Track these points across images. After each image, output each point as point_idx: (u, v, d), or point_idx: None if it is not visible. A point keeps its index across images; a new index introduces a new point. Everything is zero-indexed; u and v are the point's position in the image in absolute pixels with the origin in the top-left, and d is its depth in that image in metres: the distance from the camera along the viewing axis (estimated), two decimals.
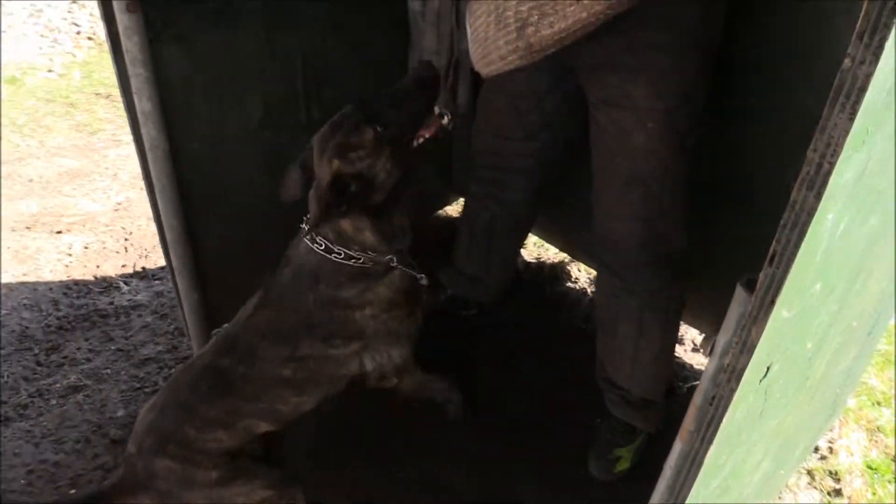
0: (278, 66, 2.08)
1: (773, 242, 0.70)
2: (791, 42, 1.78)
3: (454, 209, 3.09)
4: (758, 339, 0.70)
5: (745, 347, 0.72)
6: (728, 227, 2.16)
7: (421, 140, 1.63)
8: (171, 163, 1.92)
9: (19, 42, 4.69)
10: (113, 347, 2.47)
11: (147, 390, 2.31)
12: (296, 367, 1.67)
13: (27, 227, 3.04)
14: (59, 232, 3.02)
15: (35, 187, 3.32)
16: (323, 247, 1.65)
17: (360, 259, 1.66)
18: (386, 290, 1.71)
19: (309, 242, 1.68)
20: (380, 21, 2.28)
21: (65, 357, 2.44)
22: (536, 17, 1.38)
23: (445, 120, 1.64)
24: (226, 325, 2.19)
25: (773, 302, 0.69)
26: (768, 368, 0.81)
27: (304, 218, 1.70)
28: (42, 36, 4.80)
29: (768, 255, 0.71)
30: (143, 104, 1.80)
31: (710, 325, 2.40)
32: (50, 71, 4.44)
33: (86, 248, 2.95)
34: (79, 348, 2.47)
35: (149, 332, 2.53)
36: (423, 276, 1.82)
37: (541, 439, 2.15)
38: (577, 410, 2.23)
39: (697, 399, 0.86)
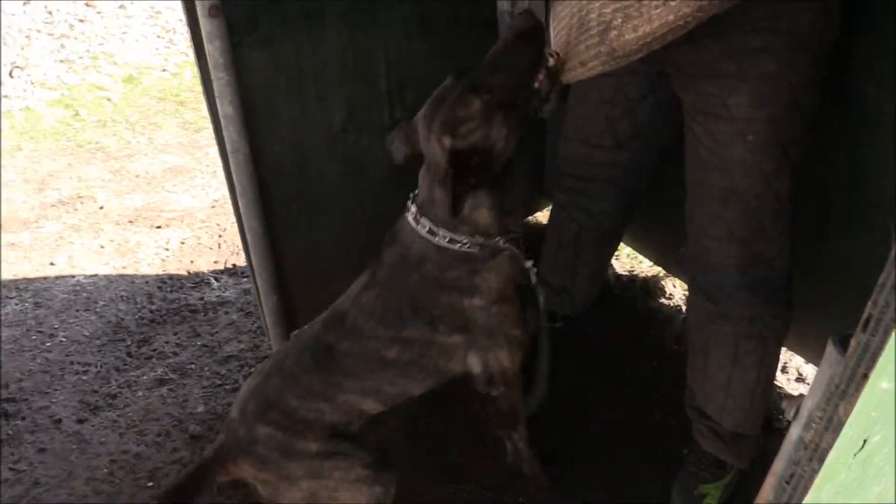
0: (361, 67, 2.05)
1: (869, 304, 0.57)
2: None
3: (544, 215, 2.98)
4: (847, 416, 0.58)
5: (830, 424, 0.60)
6: (840, 248, 1.96)
7: (536, 85, 1.51)
8: (252, 166, 1.92)
9: (138, 43, 4.94)
10: (199, 343, 2.53)
11: (227, 388, 2.35)
12: (401, 348, 1.61)
13: (130, 221, 3.17)
14: (158, 227, 3.14)
15: (141, 183, 3.46)
16: (427, 228, 1.57)
17: (465, 244, 1.56)
18: (495, 278, 1.61)
19: (413, 222, 1.59)
20: (466, 21, 2.21)
21: (154, 350, 2.51)
22: (620, 20, 1.26)
23: (551, 62, 1.48)
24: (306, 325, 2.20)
25: (866, 375, 0.56)
26: (865, 441, 0.68)
27: (411, 195, 1.63)
28: (159, 37, 5.03)
29: (862, 319, 0.59)
30: (225, 108, 1.81)
31: (818, 355, 2.18)
32: (164, 70, 4.65)
33: (182, 243, 3.05)
34: (167, 342, 2.54)
35: (233, 329, 2.57)
36: (531, 261, 1.71)
37: (621, 468, 2.02)
38: (663, 438, 2.08)
39: (776, 469, 0.74)
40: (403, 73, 2.16)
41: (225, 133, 1.86)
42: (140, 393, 2.35)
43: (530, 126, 1.55)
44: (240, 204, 1.98)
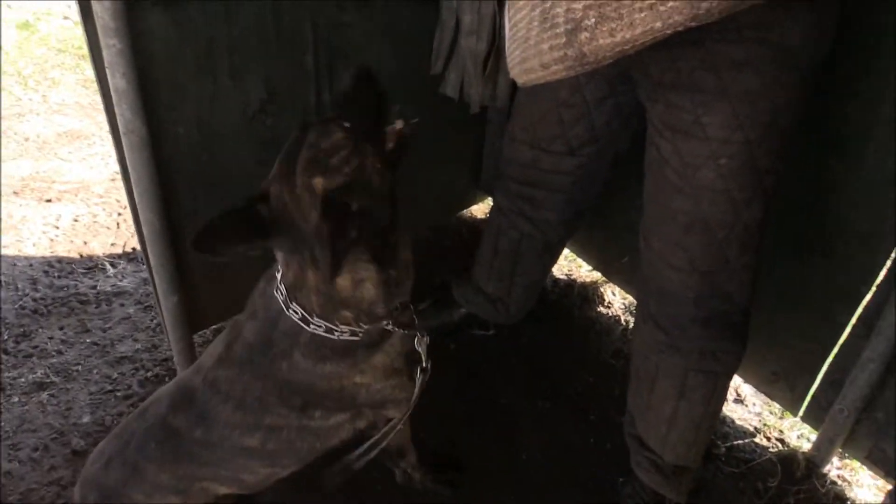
0: (285, 40, 1.78)
1: None
2: None
3: (480, 209, 2.79)
4: None
5: None
6: (797, 274, 1.87)
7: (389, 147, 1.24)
8: (149, 150, 1.64)
9: None
10: (88, 340, 2.23)
11: (119, 394, 2.07)
12: (264, 436, 1.37)
13: (15, 193, 2.80)
14: (48, 200, 2.78)
15: (30, 147, 3.08)
16: (299, 315, 1.28)
17: (344, 332, 1.29)
18: (384, 358, 1.38)
19: (280, 302, 1.30)
20: None
21: (35, 347, 2.20)
22: (594, 20, 1.06)
23: (399, 125, 1.23)
24: (213, 327, 1.93)
25: None
26: None
27: (277, 272, 1.32)
28: None
29: None
30: (117, 81, 1.52)
31: (762, 380, 2.09)
32: (66, 18, 4.17)
33: (75, 220, 2.71)
34: (51, 338, 2.23)
35: (129, 325, 2.29)
36: (425, 334, 1.45)
37: (549, 494, 1.87)
38: (596, 464, 1.94)
39: None
40: (334, 49, 1.90)
41: (117, 110, 1.57)
42: (15, 399, 2.05)
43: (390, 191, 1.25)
44: (134, 193, 1.70)
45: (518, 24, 1.25)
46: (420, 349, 1.43)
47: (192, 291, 1.96)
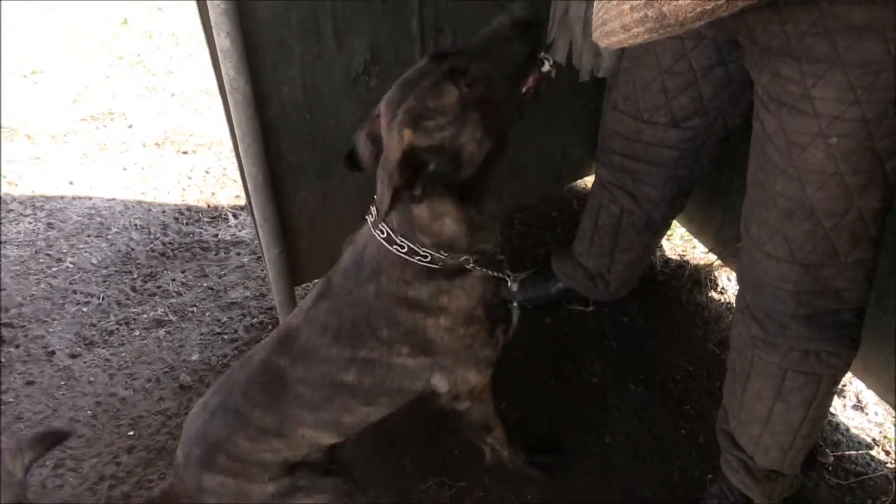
0: (391, 2, 1.77)
1: None
2: None
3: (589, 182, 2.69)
4: None
5: None
6: None
7: (523, 89, 1.23)
8: (253, 107, 1.70)
9: None
10: (205, 284, 2.38)
11: (226, 337, 2.20)
12: (359, 371, 1.39)
13: (157, 144, 3.02)
14: (185, 152, 2.98)
15: (174, 103, 3.30)
16: (384, 234, 1.31)
17: (426, 257, 1.30)
18: (464, 298, 1.36)
19: (371, 226, 1.35)
20: None
21: (159, 287, 2.39)
22: None
23: (546, 67, 1.22)
24: (306, 285, 2.01)
25: None
26: None
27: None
28: None
29: None
30: (222, 40, 1.58)
31: (886, 388, 1.89)
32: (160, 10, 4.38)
33: (207, 172, 2.89)
34: (173, 279, 2.41)
35: (242, 273, 2.42)
36: (512, 277, 1.44)
37: (631, 484, 1.80)
38: (685, 457, 1.84)
39: None
40: (441, 11, 1.87)
41: (222, 69, 1.63)
42: (137, 332, 2.24)
43: (505, 137, 1.26)
44: (239, 148, 1.77)
45: None
46: (508, 294, 1.44)
47: (294, 245, 2.03)
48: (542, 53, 1.23)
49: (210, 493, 1.42)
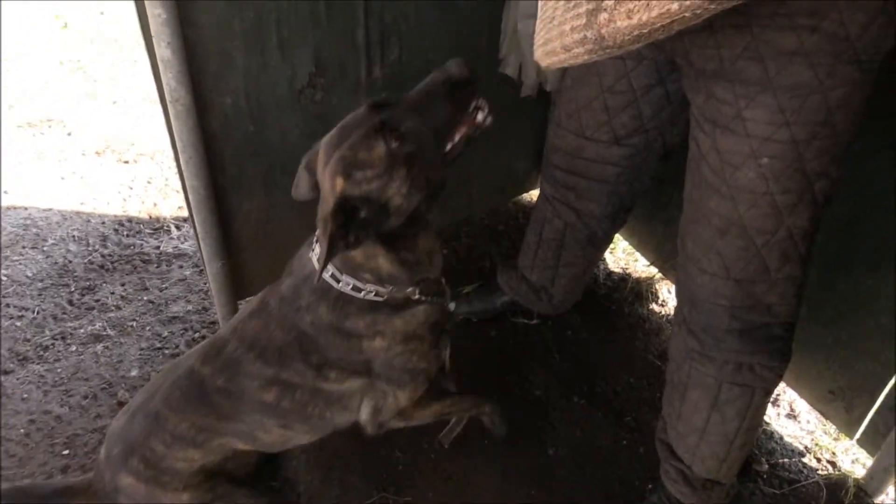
0: (335, 13, 1.77)
1: None
2: None
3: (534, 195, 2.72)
4: None
5: None
6: (856, 286, 1.73)
7: (449, 146, 1.26)
8: (194, 118, 1.68)
9: None
10: (145, 298, 2.33)
11: (166, 352, 2.15)
12: (279, 392, 1.41)
13: (97, 153, 2.94)
14: (125, 162, 2.91)
15: (116, 110, 3.22)
16: (329, 272, 1.34)
17: (371, 292, 1.34)
18: (403, 324, 1.39)
19: (314, 260, 1.36)
20: None
21: (97, 300, 2.32)
22: (613, 0, 0.99)
23: (480, 117, 1.25)
24: (249, 299, 1.99)
25: None
26: None
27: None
28: None
29: None
30: (163, 50, 1.55)
31: (818, 398, 1.96)
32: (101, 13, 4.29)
33: (149, 182, 2.82)
34: (112, 293, 2.34)
35: (184, 286, 2.37)
36: (452, 304, 1.49)
37: (572, 491, 1.81)
38: (626, 467, 1.87)
39: None
40: (386, 23, 1.88)
41: (163, 79, 1.60)
42: (74, 348, 2.17)
43: (438, 188, 1.29)
44: (180, 159, 1.74)
45: (546, 4, 1.19)
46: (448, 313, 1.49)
47: (238, 258, 2.00)
48: (478, 101, 1.26)
49: (123, 494, 1.42)
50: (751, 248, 1.29)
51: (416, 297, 1.37)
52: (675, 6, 0.91)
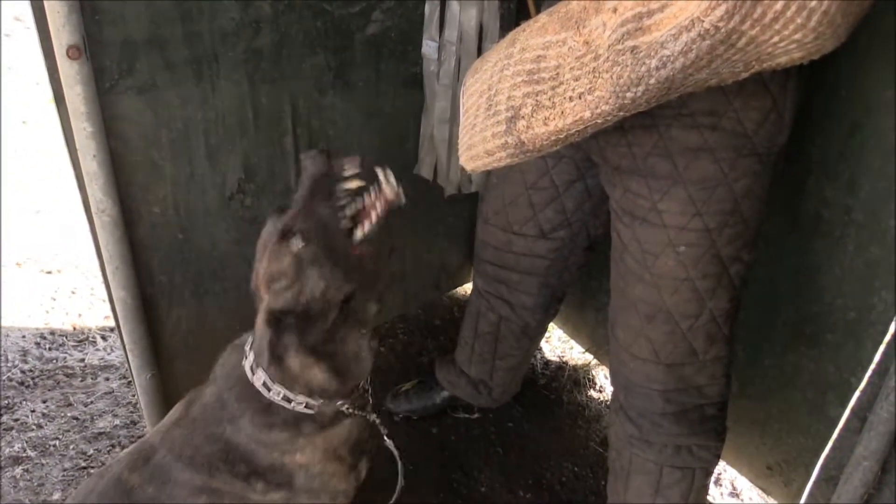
0: (263, 122, 1.81)
1: None
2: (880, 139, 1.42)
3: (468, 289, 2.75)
4: None
5: None
6: (784, 363, 1.79)
7: (363, 229, 1.24)
8: (121, 229, 1.66)
9: None
10: (69, 414, 2.21)
11: (92, 471, 2.03)
12: (208, 499, 1.35)
13: (17, 264, 2.85)
14: (48, 272, 2.82)
15: (39, 218, 3.15)
16: (262, 381, 1.31)
17: (301, 404, 1.31)
18: (325, 442, 1.36)
19: (248, 368, 1.34)
20: (391, 76, 1.99)
21: (16, 420, 2.19)
22: (531, 108, 1.05)
23: (390, 193, 1.23)
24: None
25: None
26: None
27: (249, 338, 1.37)
28: None
29: None
30: (88, 163, 1.55)
31: (757, 474, 1.99)
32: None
33: (73, 292, 2.74)
34: (33, 411, 2.22)
35: (111, 400, 2.27)
36: (375, 416, 1.46)
37: None
38: None
39: None
40: (314, 129, 1.93)
41: (88, 191, 1.59)
42: None
43: (370, 280, 1.29)
44: (106, 270, 1.71)
45: (468, 111, 1.25)
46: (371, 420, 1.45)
47: (168, 368, 1.95)
48: (382, 177, 1.24)
49: None
50: (677, 332, 1.33)
51: (347, 410, 1.35)
52: (587, 114, 0.98)
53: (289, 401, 1.30)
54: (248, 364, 1.34)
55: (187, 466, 1.35)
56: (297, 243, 1.18)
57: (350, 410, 1.36)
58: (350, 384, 1.36)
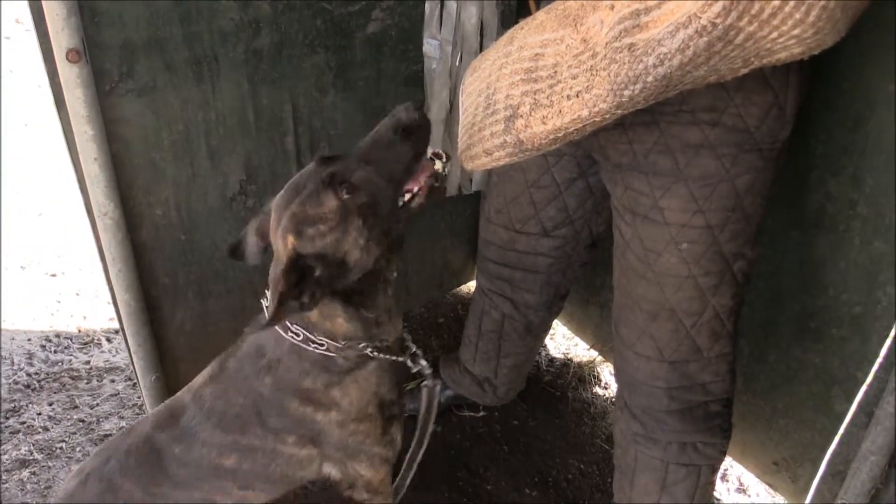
0: (264, 122, 1.81)
1: None
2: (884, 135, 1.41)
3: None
4: None
5: None
6: (789, 359, 1.78)
7: (408, 196, 1.26)
8: (123, 231, 1.66)
9: None
10: (75, 417, 2.22)
11: None
12: (240, 456, 1.35)
13: (21, 268, 2.86)
14: (53, 275, 2.83)
15: (43, 220, 3.16)
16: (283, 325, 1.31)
17: (323, 345, 1.30)
18: (356, 392, 1.35)
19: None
20: (392, 75, 1.99)
21: (23, 423, 2.20)
22: (528, 107, 1.05)
23: (439, 165, 1.25)
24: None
25: None
26: None
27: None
28: None
29: None
30: (90, 166, 1.55)
31: (763, 470, 1.98)
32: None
33: (77, 295, 2.74)
34: (39, 413, 2.23)
35: (116, 402, 2.28)
36: (419, 363, 1.46)
37: None
38: None
39: None
40: (315, 129, 1.92)
41: (90, 193, 1.59)
42: None
43: (398, 242, 1.29)
44: (110, 273, 1.71)
45: (467, 111, 1.25)
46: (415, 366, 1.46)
47: (172, 369, 1.95)
48: (434, 151, 1.25)
49: None
50: (681, 329, 1.32)
51: (371, 353, 1.33)
52: (584, 112, 0.97)
53: (308, 342, 1.29)
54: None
55: (216, 426, 1.35)
56: (347, 190, 1.16)
57: (374, 354, 1.34)
58: (377, 338, 1.34)
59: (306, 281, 1.17)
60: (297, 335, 1.29)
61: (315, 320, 1.29)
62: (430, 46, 1.94)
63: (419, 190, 1.26)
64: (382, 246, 1.24)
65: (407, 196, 1.27)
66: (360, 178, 1.19)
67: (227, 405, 1.35)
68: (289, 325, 1.30)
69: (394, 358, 1.39)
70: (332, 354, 1.31)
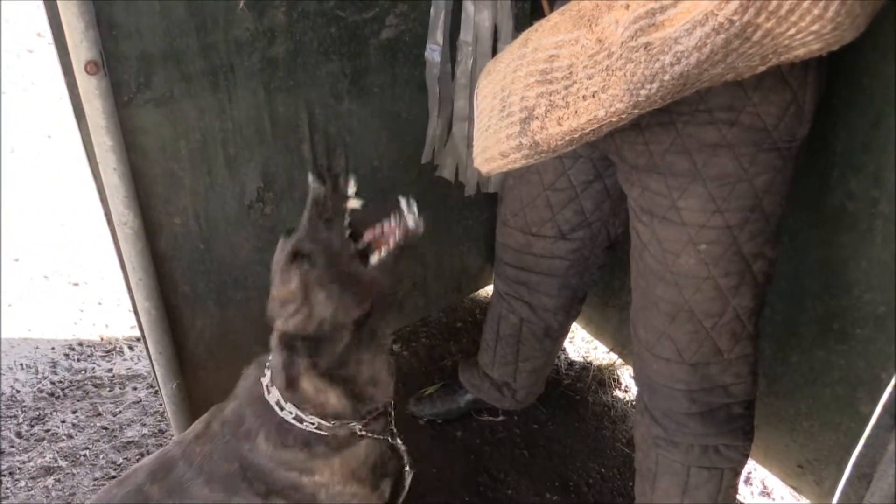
0: (280, 130, 1.82)
1: None
2: None
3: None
4: None
5: None
6: (812, 360, 1.76)
7: (380, 255, 1.23)
8: (143, 240, 1.67)
9: None
10: (98, 424, 2.24)
11: None
12: None
13: (45, 277, 2.89)
14: (75, 284, 2.86)
15: (66, 231, 3.19)
16: (275, 399, 1.31)
17: (312, 424, 1.30)
18: (343, 464, 1.35)
19: (265, 390, 1.33)
20: (407, 81, 1.99)
21: (47, 430, 2.23)
22: (544, 108, 1.04)
23: (411, 222, 1.22)
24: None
25: None
26: None
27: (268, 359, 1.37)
28: None
29: None
30: (109, 176, 1.57)
31: (787, 473, 1.96)
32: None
33: (99, 303, 2.77)
34: (63, 421, 2.26)
35: (139, 409, 2.30)
36: (400, 443, 1.45)
37: None
38: None
39: None
40: (331, 136, 1.93)
41: (110, 203, 1.61)
42: (23, 483, 2.06)
43: (380, 304, 1.28)
44: (130, 282, 1.73)
45: (482, 113, 1.25)
46: (397, 447, 1.44)
47: (193, 377, 1.96)
48: (406, 209, 1.22)
49: None
50: (701, 331, 1.31)
51: (360, 432, 1.33)
52: (601, 112, 0.96)
53: (301, 420, 1.29)
54: (265, 381, 1.34)
55: (206, 483, 1.35)
56: (302, 266, 1.18)
57: (363, 433, 1.34)
58: (367, 408, 1.34)
59: (296, 353, 1.21)
60: (291, 413, 1.30)
61: (309, 394, 1.28)
62: (431, 52, 1.94)
63: (392, 249, 1.23)
64: (359, 311, 1.24)
65: (375, 257, 1.24)
66: (312, 250, 1.19)
67: (214, 465, 1.35)
68: (282, 402, 1.30)
69: (388, 439, 1.40)
70: (323, 433, 1.31)
